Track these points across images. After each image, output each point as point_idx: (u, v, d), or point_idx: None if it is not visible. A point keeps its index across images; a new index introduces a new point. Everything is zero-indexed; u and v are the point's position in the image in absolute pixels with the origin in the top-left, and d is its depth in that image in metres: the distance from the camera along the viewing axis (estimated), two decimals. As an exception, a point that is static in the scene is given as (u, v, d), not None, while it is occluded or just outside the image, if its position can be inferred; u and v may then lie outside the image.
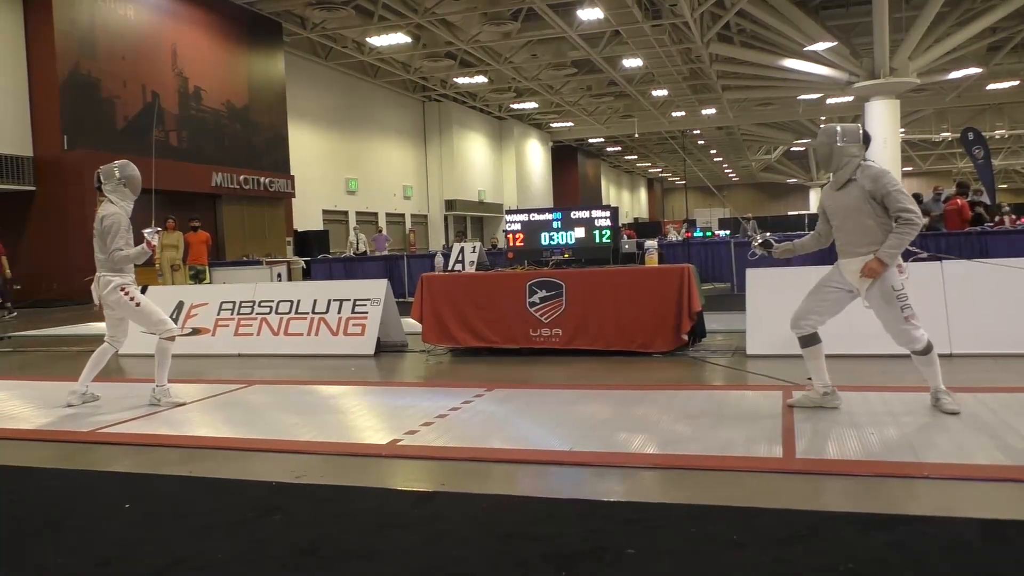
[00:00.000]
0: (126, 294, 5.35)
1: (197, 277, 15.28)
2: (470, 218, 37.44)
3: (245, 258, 20.10)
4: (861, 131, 4.38)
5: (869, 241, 4.26)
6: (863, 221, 4.27)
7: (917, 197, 15.88)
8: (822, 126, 4.52)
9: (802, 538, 2.75)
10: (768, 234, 4.85)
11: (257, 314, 8.22)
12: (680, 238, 18.20)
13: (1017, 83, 30.52)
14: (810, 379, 5.33)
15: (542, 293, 7.15)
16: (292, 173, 24.08)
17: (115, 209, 5.32)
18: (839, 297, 4.48)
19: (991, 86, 31.50)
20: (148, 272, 15.76)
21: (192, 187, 20.22)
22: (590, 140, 47.43)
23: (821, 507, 3.08)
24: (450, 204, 35.04)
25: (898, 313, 4.23)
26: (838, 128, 4.38)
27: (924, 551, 2.62)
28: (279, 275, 16.17)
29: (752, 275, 7.02)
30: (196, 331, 8.30)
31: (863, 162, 4.33)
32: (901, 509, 2.98)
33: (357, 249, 20.45)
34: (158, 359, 5.43)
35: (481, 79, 30.57)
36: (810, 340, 4.54)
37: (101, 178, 5.32)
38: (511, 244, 7.88)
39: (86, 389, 5.50)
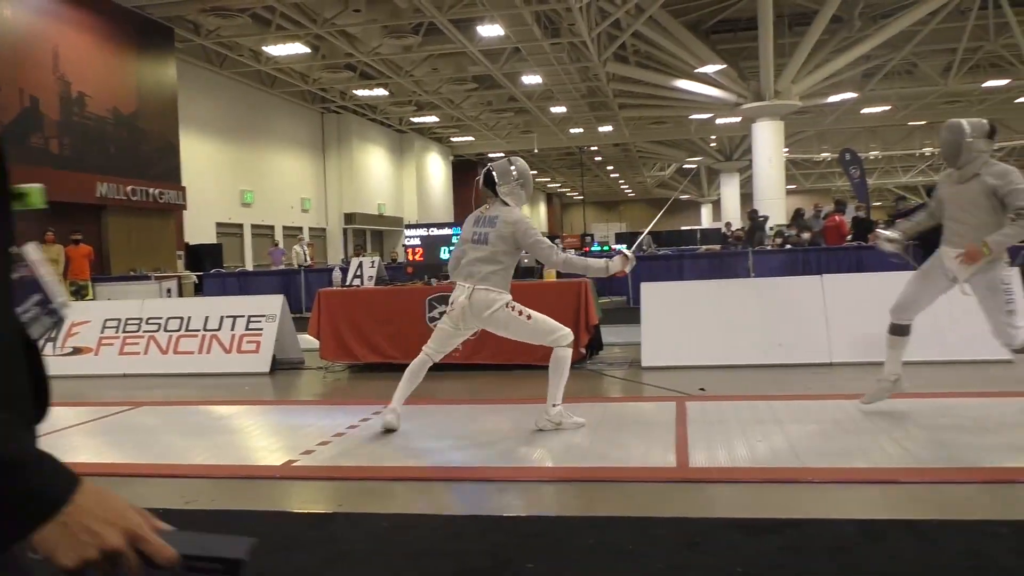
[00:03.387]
0: (515, 310, 4.50)
1: (78, 293, 14.52)
2: (370, 232, 37.00)
3: (132, 272, 19.22)
4: (987, 126, 4.30)
5: (983, 235, 4.14)
6: (981, 216, 4.20)
7: (799, 212, 16.70)
8: (949, 121, 4.34)
9: (695, 545, 2.84)
10: (890, 233, 4.73)
11: (144, 332, 7.86)
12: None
13: (888, 108, 32.61)
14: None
15: (442, 308, 7.13)
16: (184, 184, 23.22)
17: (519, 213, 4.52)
18: (942, 286, 4.46)
19: (865, 110, 33.52)
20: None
21: (75, 197, 19.13)
22: (491, 155, 47.73)
23: (713, 514, 3.19)
24: (349, 217, 34.50)
25: (1001, 304, 4.17)
26: (965, 125, 4.27)
27: (810, 553, 2.75)
28: (168, 290, 15.54)
29: (647, 289, 7.21)
30: (77, 350, 7.87)
31: (989, 158, 4.24)
32: (787, 513, 3.12)
33: (304, 261, 20.40)
34: (555, 373, 4.57)
35: (381, 92, 30.32)
36: (903, 331, 4.61)
37: (496, 177, 4.52)
38: (410, 259, 7.84)
39: (397, 409, 4.72)
